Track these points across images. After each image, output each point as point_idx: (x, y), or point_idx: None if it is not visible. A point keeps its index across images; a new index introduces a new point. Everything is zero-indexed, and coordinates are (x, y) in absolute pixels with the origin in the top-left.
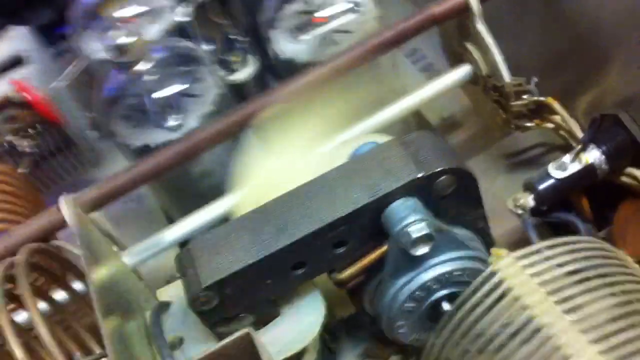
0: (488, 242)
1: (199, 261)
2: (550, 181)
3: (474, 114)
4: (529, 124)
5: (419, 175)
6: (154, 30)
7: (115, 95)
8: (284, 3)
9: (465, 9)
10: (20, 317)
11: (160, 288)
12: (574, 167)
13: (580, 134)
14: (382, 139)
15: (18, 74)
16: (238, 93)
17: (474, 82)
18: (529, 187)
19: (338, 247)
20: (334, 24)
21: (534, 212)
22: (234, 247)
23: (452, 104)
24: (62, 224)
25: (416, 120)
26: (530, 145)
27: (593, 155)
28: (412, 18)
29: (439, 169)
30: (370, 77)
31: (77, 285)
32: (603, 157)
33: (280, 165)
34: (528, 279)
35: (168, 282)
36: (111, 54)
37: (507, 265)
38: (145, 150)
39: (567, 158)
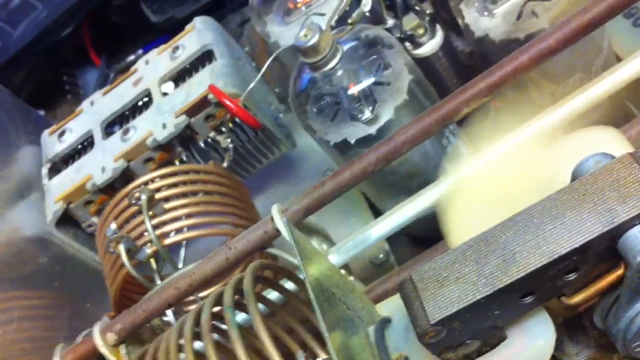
0: None
1: (424, 294)
2: None
3: None
4: None
5: None
6: (330, 6)
7: (308, 91)
8: None
9: None
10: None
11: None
12: None
13: None
14: (605, 136)
15: (210, 70)
16: (426, 66)
17: None
18: None
19: (569, 273)
20: None
21: None
22: (459, 279)
23: None
24: (276, 234)
25: None
26: None
27: None
28: None
29: None
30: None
31: (289, 285)
32: None
33: (490, 160)
34: None
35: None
36: (301, 54)
37: None
38: (344, 145)
39: None
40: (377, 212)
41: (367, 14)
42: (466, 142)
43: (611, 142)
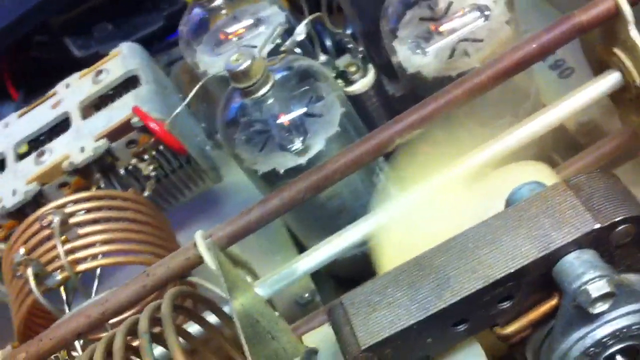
0: None
1: (354, 319)
2: None
3: (620, 120)
4: None
5: (596, 226)
6: (262, 39)
7: (237, 118)
8: (406, 9)
9: (615, 15)
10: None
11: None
12: None
13: None
14: (535, 170)
15: (134, 95)
16: (357, 104)
17: (622, 90)
18: None
19: (502, 301)
20: (462, 32)
21: None
22: (392, 304)
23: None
24: (199, 261)
25: None
26: None
27: None
28: (555, 28)
29: (618, 219)
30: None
31: (212, 319)
32: None
33: (420, 193)
34: None
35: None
36: (232, 79)
37: None
38: (272, 175)
39: None
40: (303, 251)
41: (299, 50)
42: (395, 183)
43: (541, 174)
